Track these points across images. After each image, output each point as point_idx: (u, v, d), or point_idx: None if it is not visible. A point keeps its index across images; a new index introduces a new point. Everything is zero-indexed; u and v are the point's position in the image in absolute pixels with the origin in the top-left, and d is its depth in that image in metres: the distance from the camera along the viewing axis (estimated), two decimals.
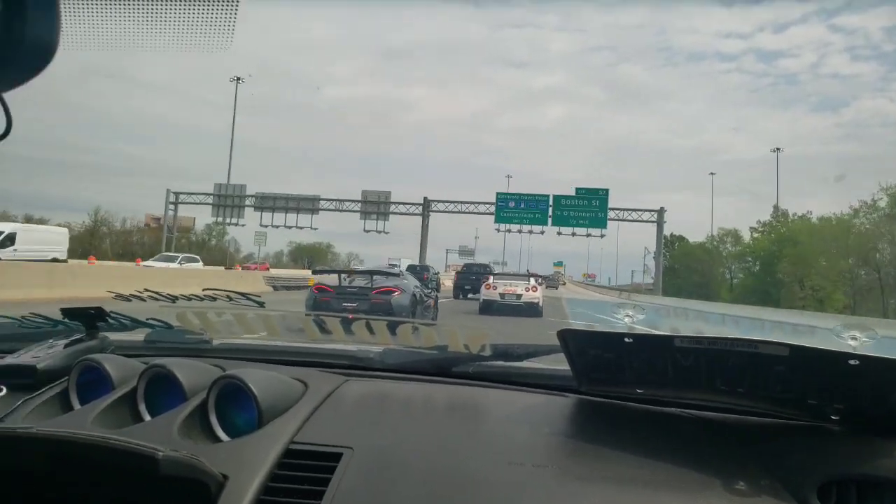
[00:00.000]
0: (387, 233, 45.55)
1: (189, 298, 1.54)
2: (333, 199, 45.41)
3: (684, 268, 61.11)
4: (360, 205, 45.12)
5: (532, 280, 18.10)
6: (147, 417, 1.13)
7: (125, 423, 1.09)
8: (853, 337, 1.05)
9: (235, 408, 1.10)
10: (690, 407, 1.23)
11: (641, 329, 1.15)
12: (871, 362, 0.95)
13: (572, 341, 1.19)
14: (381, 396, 1.31)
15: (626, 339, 1.11)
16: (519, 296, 17.14)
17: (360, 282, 11.05)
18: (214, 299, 1.49)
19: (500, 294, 17.25)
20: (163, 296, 1.55)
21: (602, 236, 42.98)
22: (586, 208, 41.68)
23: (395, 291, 10.50)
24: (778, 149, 51.32)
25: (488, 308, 17.04)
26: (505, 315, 15.65)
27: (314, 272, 13.60)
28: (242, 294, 1.53)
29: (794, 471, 0.98)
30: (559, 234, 43.28)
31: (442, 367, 1.45)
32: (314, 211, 45.40)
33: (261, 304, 1.54)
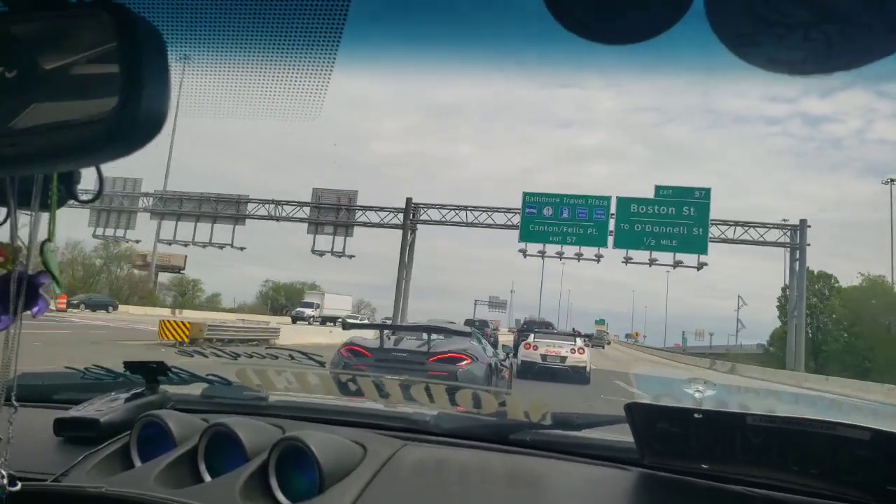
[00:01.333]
0: (350, 256, 29.32)
1: (251, 356, 1.57)
2: (267, 201, 29.86)
3: (835, 327, 37.00)
4: (310, 213, 29.12)
5: (578, 340, 15.90)
6: (207, 478, 1.13)
7: (185, 482, 1.09)
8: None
9: (295, 470, 1.09)
10: (757, 486, 1.17)
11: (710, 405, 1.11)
12: None
13: (639, 414, 1.16)
14: (438, 463, 1.29)
15: (696, 415, 1.07)
16: (563, 358, 15.10)
17: (410, 342, 8.13)
18: (276, 357, 1.51)
19: (541, 355, 15.39)
20: (225, 353, 1.58)
21: (700, 267, 25.85)
22: (673, 220, 25.07)
23: (463, 360, 7.66)
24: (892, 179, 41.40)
25: (528, 371, 14.72)
26: (545, 380, 13.98)
27: (345, 326, 10.07)
28: (304, 353, 1.55)
29: None
30: (627, 261, 26.59)
31: (499, 434, 1.42)
32: (238, 220, 30.33)
33: (321, 364, 1.55)
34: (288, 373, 1.51)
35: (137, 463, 1.17)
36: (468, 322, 23.70)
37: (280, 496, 1.06)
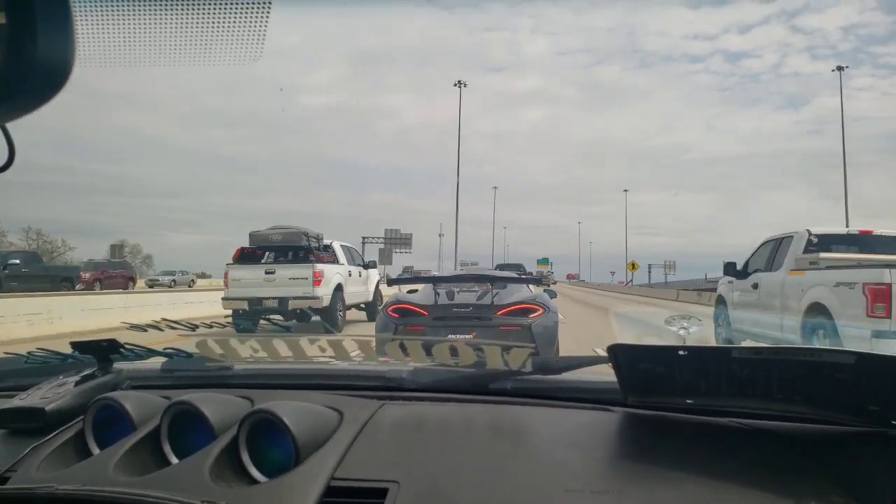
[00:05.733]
0: None
1: (210, 326, 1.47)
2: None
3: None
4: None
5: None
6: (174, 460, 1.06)
7: (150, 467, 1.02)
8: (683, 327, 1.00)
9: (268, 443, 1.03)
10: (741, 416, 1.18)
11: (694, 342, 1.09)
12: None
13: (622, 356, 1.13)
14: (419, 421, 1.25)
15: (681, 353, 1.05)
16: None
17: (468, 296, 6.74)
18: (238, 325, 1.42)
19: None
20: (182, 324, 1.48)
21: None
22: None
23: (535, 311, 6.41)
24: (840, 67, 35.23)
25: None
26: None
27: (391, 282, 8.32)
28: (268, 319, 1.47)
29: (864, 484, 0.93)
30: None
31: (480, 385, 1.38)
32: None
33: (287, 329, 1.47)
34: (252, 340, 1.43)
35: (95, 452, 1.09)
36: (502, 266, 21.26)
37: (255, 472, 1.00)
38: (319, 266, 12.25)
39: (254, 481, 0.99)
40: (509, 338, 5.81)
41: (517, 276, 8.16)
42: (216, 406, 1.11)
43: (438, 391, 1.39)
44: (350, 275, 13.76)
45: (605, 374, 1.24)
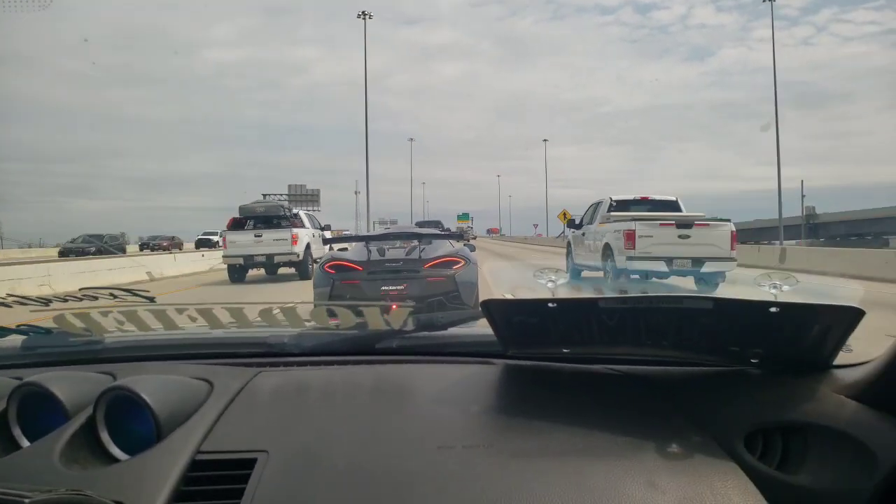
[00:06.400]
0: None
1: (65, 299, 1.36)
2: None
3: None
4: None
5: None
6: (25, 443, 0.98)
7: None
8: (774, 286, 1.07)
9: (130, 421, 0.97)
10: (616, 362, 1.23)
11: (565, 293, 1.12)
12: (789, 308, 0.97)
13: (496, 310, 1.15)
14: (298, 387, 1.21)
15: (550, 305, 1.08)
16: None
17: (397, 252, 7.32)
18: (96, 297, 1.32)
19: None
20: (32, 299, 1.35)
21: None
22: None
23: (457, 263, 7.03)
24: None
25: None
26: None
27: (326, 242, 9.20)
28: (128, 290, 1.37)
29: (722, 422, 0.99)
30: None
31: (363, 346, 1.37)
32: None
33: (151, 300, 1.38)
34: (115, 312, 1.33)
35: None
36: (422, 223, 23.19)
37: (116, 451, 0.94)
38: (295, 230, 15.89)
39: (116, 460, 0.93)
40: (436, 287, 6.74)
41: (440, 232, 8.92)
42: (71, 384, 1.03)
43: (322, 355, 1.36)
44: (314, 236, 17.19)
45: (488, 328, 1.25)
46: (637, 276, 10.97)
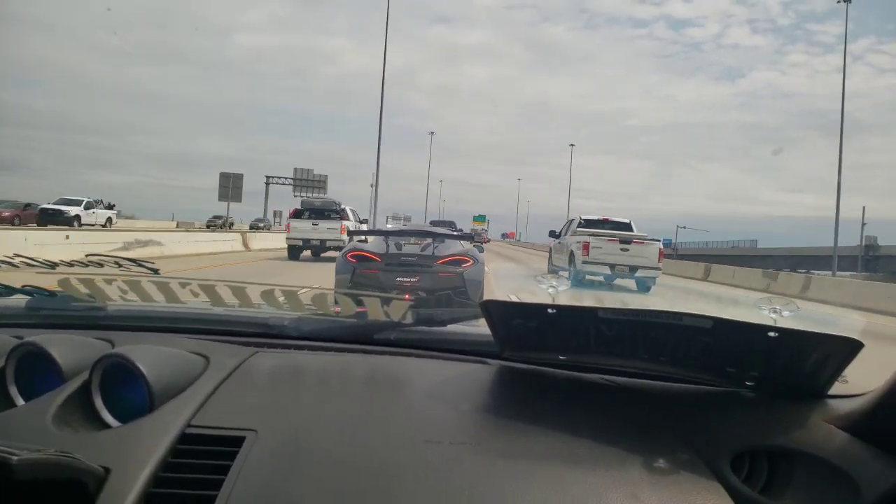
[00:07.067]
0: None
1: (71, 264, 1.37)
2: None
3: None
4: None
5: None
6: (20, 402, 0.99)
7: None
8: (774, 310, 1.07)
9: (125, 389, 0.98)
10: (612, 373, 1.23)
11: (565, 300, 1.13)
12: (788, 334, 0.97)
13: (495, 311, 1.15)
14: (294, 370, 1.22)
15: (550, 311, 1.08)
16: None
17: (413, 247, 8.08)
18: (101, 265, 1.33)
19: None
20: (38, 261, 1.37)
21: None
22: None
23: (466, 262, 7.77)
24: None
25: None
26: None
27: (350, 234, 9.90)
28: (133, 260, 1.38)
29: (711, 441, 0.99)
30: None
31: (362, 336, 1.37)
32: None
33: (155, 271, 1.40)
34: (119, 281, 1.34)
35: None
36: (436, 223, 25.62)
37: (108, 417, 0.95)
38: (343, 222, 19.95)
39: (107, 426, 0.94)
40: (446, 282, 7.43)
41: (451, 232, 9.80)
42: (69, 348, 1.04)
43: (321, 340, 1.37)
44: (355, 227, 20.87)
45: (486, 328, 1.25)
46: (593, 277, 15.05)
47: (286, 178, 58.42)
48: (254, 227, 50.41)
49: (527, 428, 1.00)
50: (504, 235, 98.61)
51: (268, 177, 57.05)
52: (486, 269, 7.91)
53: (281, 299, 1.38)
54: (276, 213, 72.12)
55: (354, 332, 1.38)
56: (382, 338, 1.37)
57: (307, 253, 20.03)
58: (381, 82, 31.40)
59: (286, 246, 20.00)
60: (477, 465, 0.88)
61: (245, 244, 25.24)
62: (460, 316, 1.45)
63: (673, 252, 60.54)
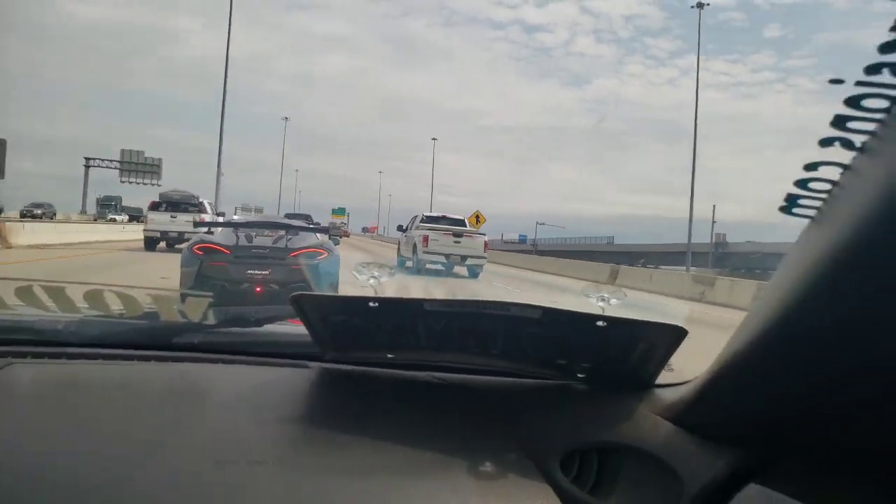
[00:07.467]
0: None
1: None
2: None
3: None
4: None
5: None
6: None
7: None
8: (602, 298, 1.03)
9: None
10: (445, 370, 1.15)
11: (390, 293, 1.02)
12: (616, 322, 0.94)
13: (309, 307, 1.01)
14: (61, 383, 1.00)
15: (372, 304, 0.96)
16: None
17: (265, 239, 7.59)
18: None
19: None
20: None
21: None
22: None
23: (321, 253, 7.52)
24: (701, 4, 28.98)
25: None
26: None
27: (196, 225, 9.37)
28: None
29: (541, 440, 0.94)
30: None
31: (159, 339, 1.17)
32: None
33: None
34: None
35: None
36: (291, 215, 24.78)
37: None
38: (202, 214, 19.67)
39: None
40: (299, 275, 7.05)
41: (307, 225, 9.50)
42: None
43: (107, 347, 1.14)
44: (212, 220, 20.87)
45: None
46: (432, 266, 17.70)
47: (111, 161, 52.17)
48: (27, 215, 40.96)
49: (343, 438, 0.88)
50: (365, 229, 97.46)
51: (87, 158, 50.39)
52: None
53: (44, 298, 1.13)
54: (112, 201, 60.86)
55: (147, 336, 1.17)
56: (183, 342, 1.17)
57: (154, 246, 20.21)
58: (225, 62, 29.42)
59: (143, 237, 20.28)
60: (277, 487, 0.76)
61: (3, 237, 17.83)
62: (277, 314, 1.29)
63: (532, 248, 64.07)
